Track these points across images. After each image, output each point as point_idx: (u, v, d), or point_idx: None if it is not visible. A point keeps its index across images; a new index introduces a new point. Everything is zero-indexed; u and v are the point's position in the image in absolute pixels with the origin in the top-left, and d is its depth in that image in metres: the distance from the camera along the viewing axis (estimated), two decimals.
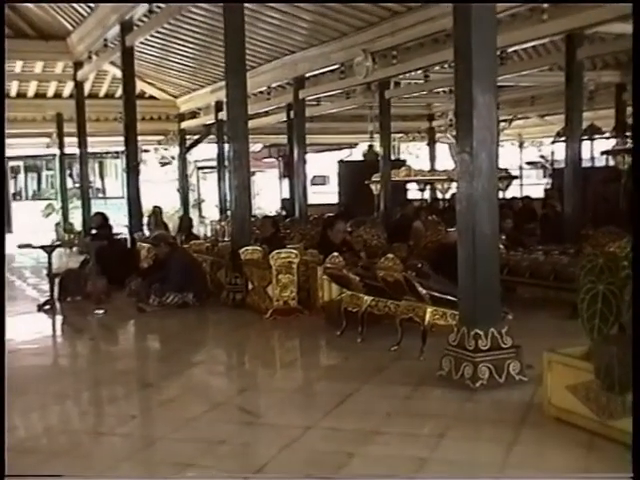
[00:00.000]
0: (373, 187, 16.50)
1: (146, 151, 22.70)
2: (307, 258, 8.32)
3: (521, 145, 23.66)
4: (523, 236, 9.96)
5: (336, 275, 7.12)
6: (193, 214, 21.26)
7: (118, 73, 14.90)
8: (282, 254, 8.04)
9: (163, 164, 23.12)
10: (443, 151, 21.84)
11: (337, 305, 7.02)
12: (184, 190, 21.35)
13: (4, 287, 8.26)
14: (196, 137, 21.26)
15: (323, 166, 28.24)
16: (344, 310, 6.78)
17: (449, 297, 5.69)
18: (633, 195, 3.75)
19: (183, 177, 21.46)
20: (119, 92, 17.05)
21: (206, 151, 23.06)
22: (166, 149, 22.61)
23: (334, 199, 21.20)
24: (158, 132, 21.14)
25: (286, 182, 19.22)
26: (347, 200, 19.19)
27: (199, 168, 25.29)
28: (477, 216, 5.05)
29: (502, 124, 18.01)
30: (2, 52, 11.38)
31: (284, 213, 16.62)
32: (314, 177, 27.39)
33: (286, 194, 19.07)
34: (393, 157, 17.45)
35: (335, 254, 7.15)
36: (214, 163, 19.50)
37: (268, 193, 26.08)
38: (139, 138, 13.06)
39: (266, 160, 26.38)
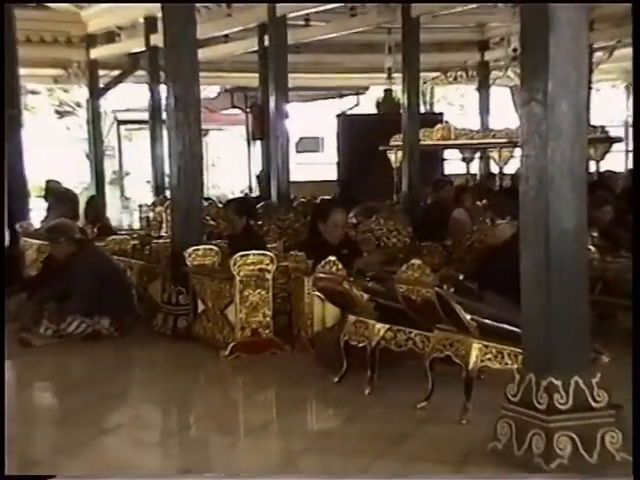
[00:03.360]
0: (392, 156, 16.54)
1: (34, 93, 22.61)
2: (289, 264, 8.34)
3: (629, 88, 23.67)
4: (628, 233, 9.96)
5: (333, 291, 7.16)
6: (112, 193, 21.21)
7: None
8: (250, 258, 8.08)
9: (62, 114, 23.01)
10: (502, 99, 21.86)
11: (334, 337, 7.05)
12: (97, 156, 21.19)
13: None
14: (116, 74, 21.14)
15: (315, 123, 28.16)
16: (345, 345, 6.83)
17: (507, 326, 5.71)
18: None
19: (95, 136, 21.29)
20: None
21: (132, 96, 22.99)
22: (67, 91, 22.51)
23: (331, 174, 21.24)
24: (53, 63, 21.03)
25: (258, 147, 19.13)
26: (351, 176, 19.29)
27: (121, 122, 25.22)
28: (553, 201, 5.04)
29: (597, 54, 17.99)
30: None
31: (255, 195, 16.88)
32: (301, 140, 27.37)
33: (258, 166, 19.07)
34: (423, 109, 17.29)
35: (332, 259, 7.19)
36: (144, 115, 19.40)
37: (230, 163, 26.03)
38: (21, 72, 13.00)
39: (227, 112, 26.35)
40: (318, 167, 24.88)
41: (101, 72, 21.18)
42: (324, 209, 9.24)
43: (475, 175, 19.10)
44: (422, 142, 15.02)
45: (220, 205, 13.25)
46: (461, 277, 6.78)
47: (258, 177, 18.75)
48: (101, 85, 21.25)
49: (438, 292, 5.98)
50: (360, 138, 19.42)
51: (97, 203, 15.36)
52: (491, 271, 7.05)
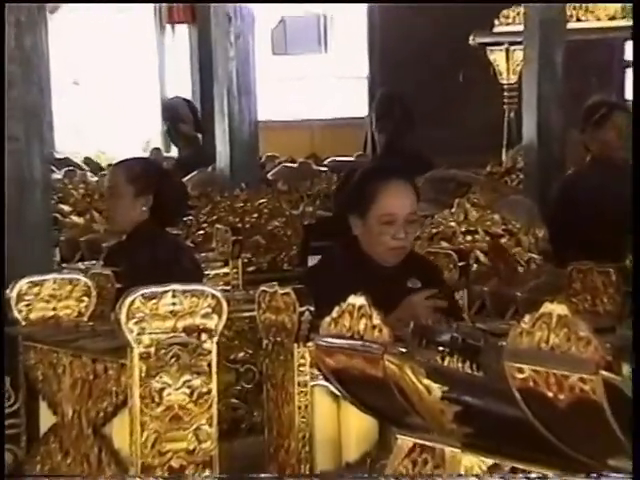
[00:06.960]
0: (498, 58, 11.62)
1: None
2: (258, 315, 5.93)
3: None
4: None
5: (363, 377, 4.63)
6: None
7: None
8: (166, 303, 5.16)
9: None
10: None
11: None
12: None
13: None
14: None
15: None
16: None
17: None
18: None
19: None
20: None
21: None
22: None
23: (353, 103, 15.66)
24: None
25: (183, 41, 14.37)
26: (402, 107, 12.94)
27: None
28: None
29: None
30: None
31: (176, 154, 12.19)
32: (282, 24, 19.89)
33: (181, 88, 13.58)
34: None
35: (358, 302, 4.23)
36: None
37: (117, 80, 18.39)
38: None
39: None
40: (321, 86, 17.73)
41: None
42: (363, 183, 5.71)
43: None
44: (572, 25, 9.89)
45: (94, 178, 9.60)
46: None
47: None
48: None
49: (609, 381, 3.22)
50: (420, 18, 13.93)
51: None
52: None
